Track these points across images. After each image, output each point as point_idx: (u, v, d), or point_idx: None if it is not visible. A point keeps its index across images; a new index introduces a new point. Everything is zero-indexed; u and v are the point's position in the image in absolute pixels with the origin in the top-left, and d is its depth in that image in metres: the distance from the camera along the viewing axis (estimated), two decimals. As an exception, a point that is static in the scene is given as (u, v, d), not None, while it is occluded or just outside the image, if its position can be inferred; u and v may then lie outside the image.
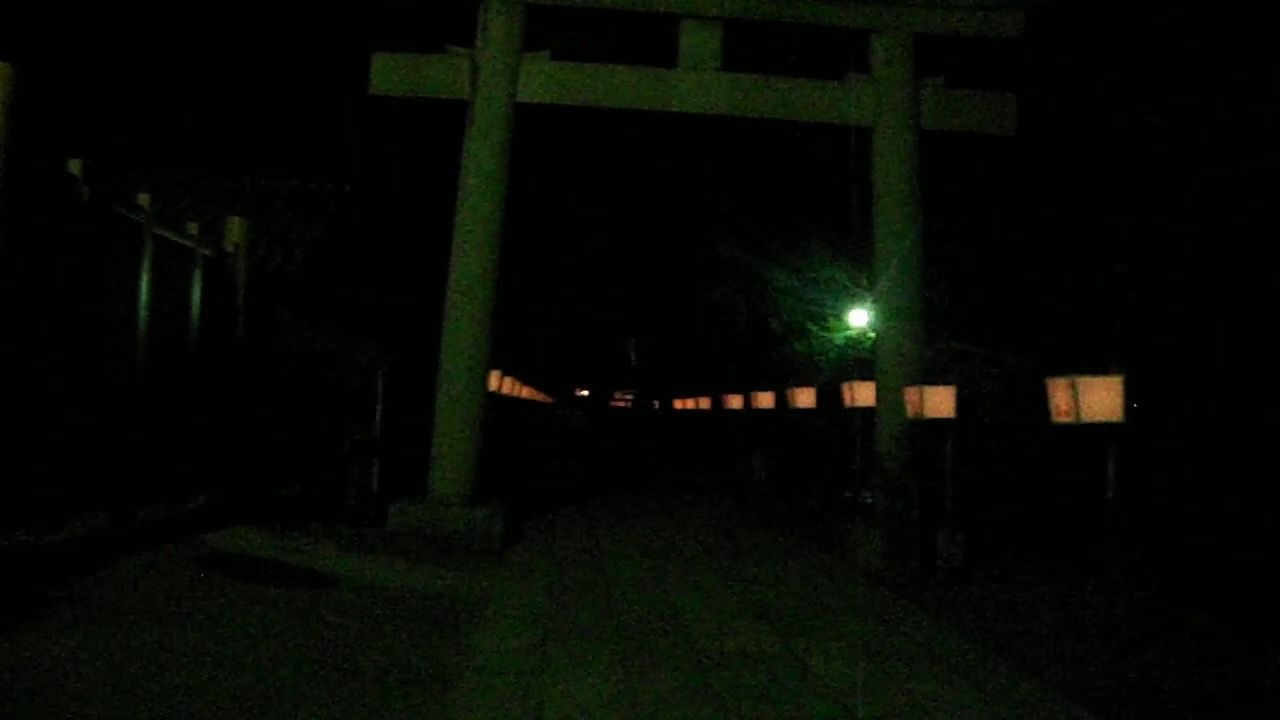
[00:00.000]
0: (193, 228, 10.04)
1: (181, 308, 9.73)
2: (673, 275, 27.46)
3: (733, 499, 18.74)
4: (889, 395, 12.37)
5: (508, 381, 21.49)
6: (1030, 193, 13.73)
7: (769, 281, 19.67)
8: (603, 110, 13.02)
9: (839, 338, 17.76)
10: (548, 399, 43.84)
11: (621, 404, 60.59)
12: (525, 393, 29.36)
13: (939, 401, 11.08)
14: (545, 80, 12.64)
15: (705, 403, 30.57)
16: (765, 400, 20.18)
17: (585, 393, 62.68)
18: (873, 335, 14.27)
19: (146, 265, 8.70)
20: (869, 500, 13.09)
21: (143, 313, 8.70)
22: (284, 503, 12.20)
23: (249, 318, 11.33)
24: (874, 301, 13.51)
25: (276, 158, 16.72)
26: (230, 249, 10.92)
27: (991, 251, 14.13)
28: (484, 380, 12.56)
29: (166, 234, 9.17)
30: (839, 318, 17.77)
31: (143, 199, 8.78)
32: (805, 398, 16.97)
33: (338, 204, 17.26)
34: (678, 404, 37.52)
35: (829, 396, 16.54)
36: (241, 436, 10.95)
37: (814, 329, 18.35)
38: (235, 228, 11.06)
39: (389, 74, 12.51)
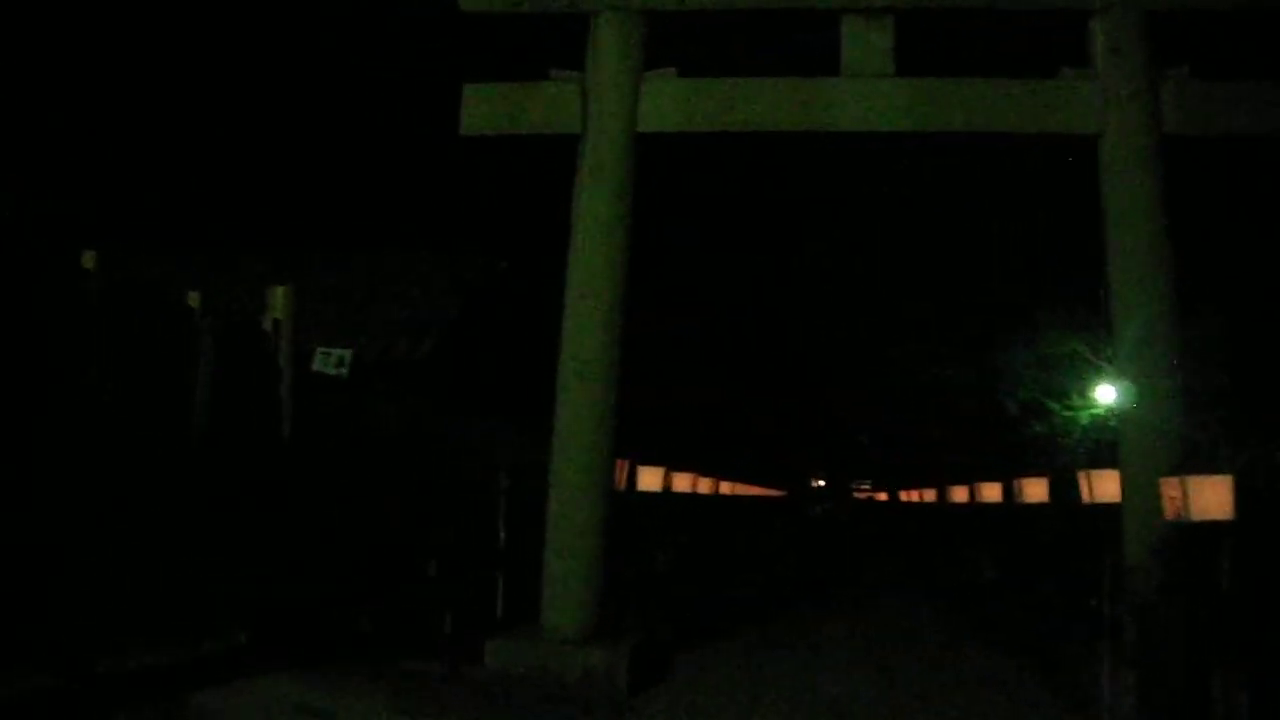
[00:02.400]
0: (193, 299, 7.89)
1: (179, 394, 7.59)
2: (889, 352, 24.60)
3: (954, 610, 15.49)
4: (1138, 490, 9.17)
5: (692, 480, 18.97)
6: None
7: (1001, 356, 17.51)
8: (744, 142, 10.43)
9: (1084, 416, 15.47)
10: (774, 492, 41.21)
11: (862, 495, 56.98)
12: (728, 488, 26.79)
13: (1211, 498, 7.87)
14: (673, 103, 10.17)
15: (930, 494, 27.24)
16: (992, 492, 17.07)
17: (822, 483, 59.58)
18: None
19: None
20: (1118, 616, 9.77)
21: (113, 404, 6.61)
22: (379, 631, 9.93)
23: (330, 406, 9.24)
24: (1116, 368, 10.33)
25: (389, 227, 14.49)
26: (270, 324, 8.78)
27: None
28: (607, 480, 10.02)
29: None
30: (1083, 394, 15.21)
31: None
32: (1036, 489, 13.83)
33: (476, 276, 15.16)
34: (904, 495, 34.11)
35: (1068, 486, 13.33)
36: (303, 551, 8.73)
37: (1055, 407, 15.98)
38: (279, 298, 8.94)
39: (483, 109, 10.31)
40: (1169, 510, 8.28)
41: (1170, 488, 8.22)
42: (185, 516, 7.56)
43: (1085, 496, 10.68)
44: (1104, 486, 10.21)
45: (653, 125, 10.15)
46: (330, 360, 11.37)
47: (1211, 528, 7.93)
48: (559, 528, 9.76)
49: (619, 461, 10.89)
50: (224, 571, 7.96)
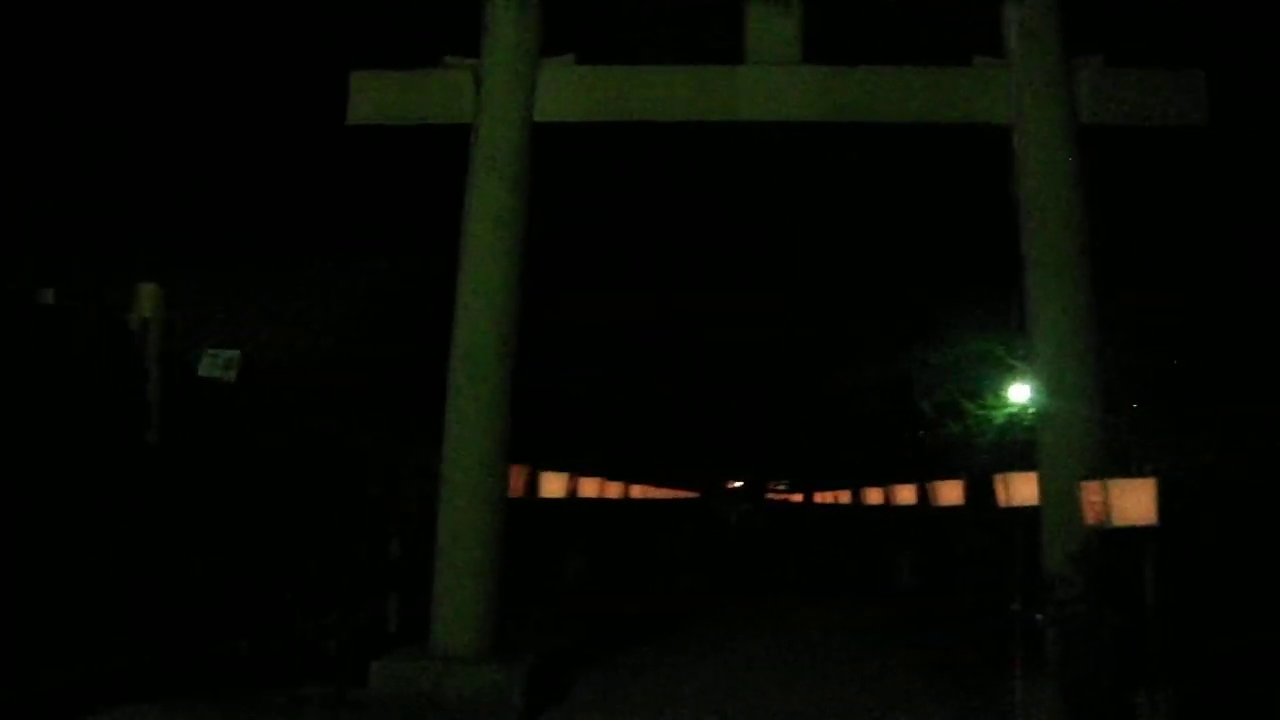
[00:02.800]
0: (48, 296, 7.18)
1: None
2: (803, 352, 24.02)
3: (870, 619, 15.10)
4: (1057, 494, 8.81)
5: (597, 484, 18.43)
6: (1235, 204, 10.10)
7: (915, 356, 17.39)
8: (647, 133, 9.91)
9: (999, 416, 15.07)
10: (689, 494, 40.72)
11: (777, 497, 56.61)
12: (640, 492, 26.26)
13: (1133, 502, 7.51)
14: (571, 91, 9.62)
15: (845, 496, 26.96)
16: (907, 495, 16.70)
17: (739, 484, 59.12)
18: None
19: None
20: (1038, 626, 9.37)
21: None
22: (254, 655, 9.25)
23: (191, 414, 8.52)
24: (1032, 366, 9.97)
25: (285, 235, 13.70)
26: (136, 325, 8.07)
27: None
28: (501, 487, 9.42)
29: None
30: (996, 394, 14.90)
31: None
32: (951, 492, 13.45)
33: (376, 275, 14.46)
34: (818, 497, 33.82)
35: (984, 489, 13.01)
36: (171, 568, 8.04)
37: (970, 406, 15.62)
38: (146, 296, 8.24)
39: (371, 97, 9.70)
40: (1090, 515, 7.91)
41: (1091, 492, 7.85)
42: (30, 529, 6.85)
43: (1002, 500, 10.27)
44: (1022, 490, 9.81)
45: (550, 115, 9.60)
46: (217, 363, 10.80)
47: (1134, 533, 7.57)
48: (449, 538, 9.16)
49: (516, 467, 10.34)
50: (76, 593, 7.26)
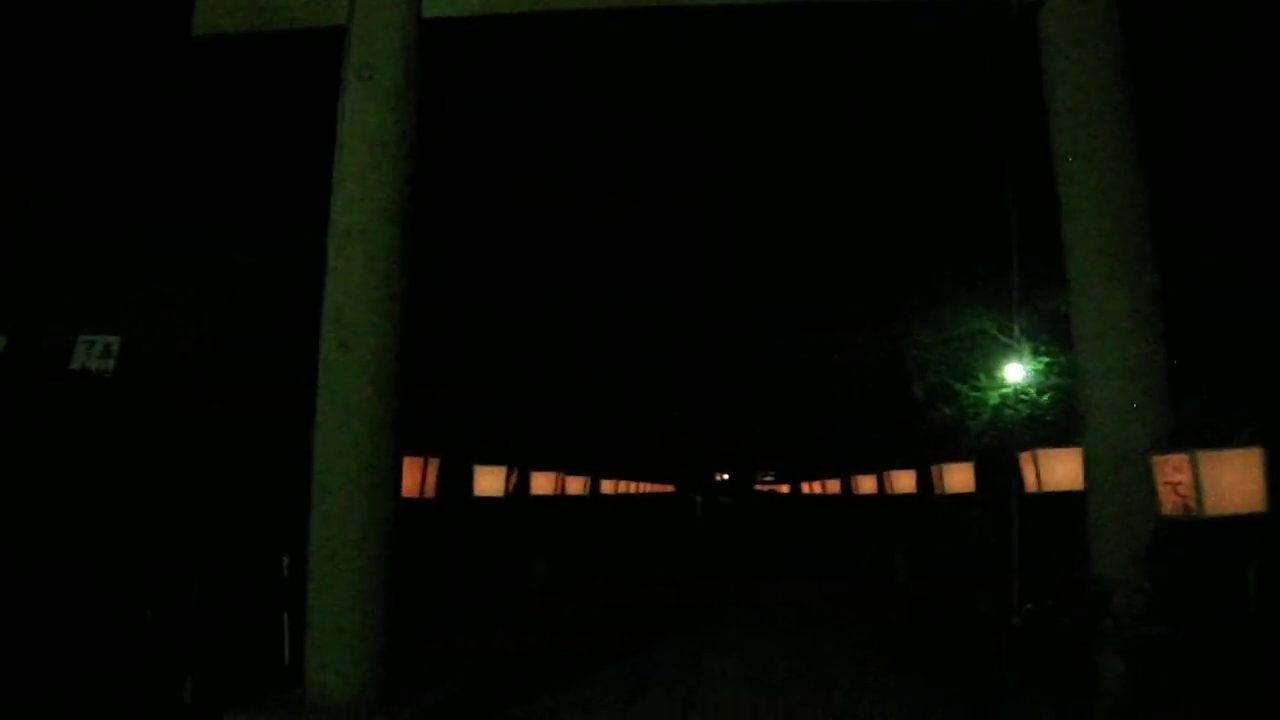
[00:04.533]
0: None
1: None
2: (782, 333, 22.25)
3: (863, 619, 13.01)
4: (1112, 476, 6.69)
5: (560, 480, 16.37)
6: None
7: (904, 336, 15.61)
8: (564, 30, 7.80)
9: (993, 397, 13.37)
10: (667, 488, 38.81)
11: (763, 488, 54.59)
12: (611, 488, 24.20)
13: (1233, 481, 5.43)
14: (468, -24, 7.50)
15: (834, 486, 24.91)
16: (905, 481, 14.70)
17: (725, 477, 57.26)
18: (1032, 393, 10.22)
19: None
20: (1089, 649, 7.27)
21: None
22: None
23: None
24: (1074, 313, 7.80)
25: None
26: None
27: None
28: (391, 488, 7.29)
29: None
30: (990, 374, 13.17)
31: None
32: (959, 477, 11.38)
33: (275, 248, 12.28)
34: (805, 487, 31.75)
35: (992, 472, 11.13)
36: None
37: (962, 389, 14.07)
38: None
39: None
40: (1168, 502, 5.83)
41: (1171, 469, 5.75)
42: None
43: (1031, 484, 8.22)
44: (1057, 470, 7.75)
45: (442, 8, 7.47)
46: (94, 351, 9.40)
47: (1234, 524, 5.51)
48: (323, 555, 7.04)
49: (416, 461, 8.26)
50: None
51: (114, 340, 9.76)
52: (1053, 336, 10.59)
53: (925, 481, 13.70)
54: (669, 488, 38.25)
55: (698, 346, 24.36)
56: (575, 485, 18.03)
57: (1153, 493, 5.94)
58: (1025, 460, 8.37)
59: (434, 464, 8.70)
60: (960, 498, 11.74)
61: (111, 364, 9.62)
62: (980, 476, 11.44)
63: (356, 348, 7.07)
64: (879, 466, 17.96)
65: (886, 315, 15.88)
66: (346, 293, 7.10)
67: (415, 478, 8.40)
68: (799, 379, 24.43)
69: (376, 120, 7.27)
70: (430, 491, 8.61)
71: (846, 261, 16.61)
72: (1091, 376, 6.98)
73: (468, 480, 11.75)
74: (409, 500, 8.20)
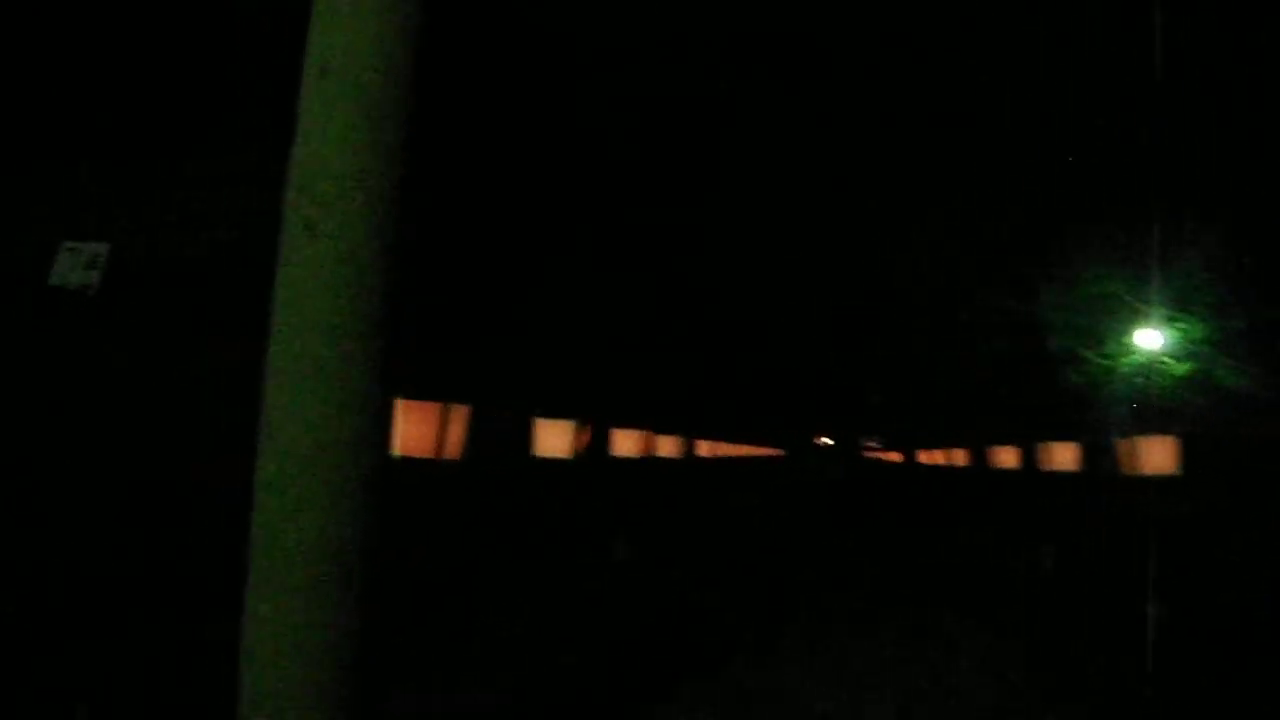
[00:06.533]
0: None
1: None
2: (896, 293, 21.72)
3: (997, 626, 10.36)
4: None
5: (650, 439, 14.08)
6: None
7: (1030, 296, 15.51)
8: None
9: (1125, 364, 13.75)
10: (769, 452, 36.49)
11: (870, 455, 51.63)
12: (715, 449, 21.87)
13: None
14: None
15: (960, 456, 22.29)
16: (1062, 456, 12.13)
17: (828, 441, 54.46)
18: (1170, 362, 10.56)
19: None
20: None
21: None
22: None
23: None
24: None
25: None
26: None
27: None
28: (368, 430, 4.81)
29: None
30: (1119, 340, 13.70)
31: None
32: (1158, 452, 8.81)
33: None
34: (923, 457, 29.00)
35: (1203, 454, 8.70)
36: None
37: (1090, 355, 14.27)
38: None
39: None
40: None
41: None
42: None
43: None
44: None
45: None
46: (78, 262, 7.83)
47: None
48: (264, 538, 4.56)
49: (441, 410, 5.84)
50: None
51: (101, 248, 7.85)
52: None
53: (1096, 455, 11.23)
54: (768, 451, 35.94)
55: (807, 301, 22.31)
56: (667, 446, 15.76)
57: None
58: None
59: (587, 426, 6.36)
60: (1144, 479, 9.19)
61: (96, 277, 7.72)
62: (1190, 453, 8.90)
63: (327, 230, 4.55)
64: (1011, 438, 15.93)
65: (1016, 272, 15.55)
66: (317, 152, 4.61)
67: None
68: (920, 339, 22.84)
69: None
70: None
71: (973, 213, 15.95)
72: None
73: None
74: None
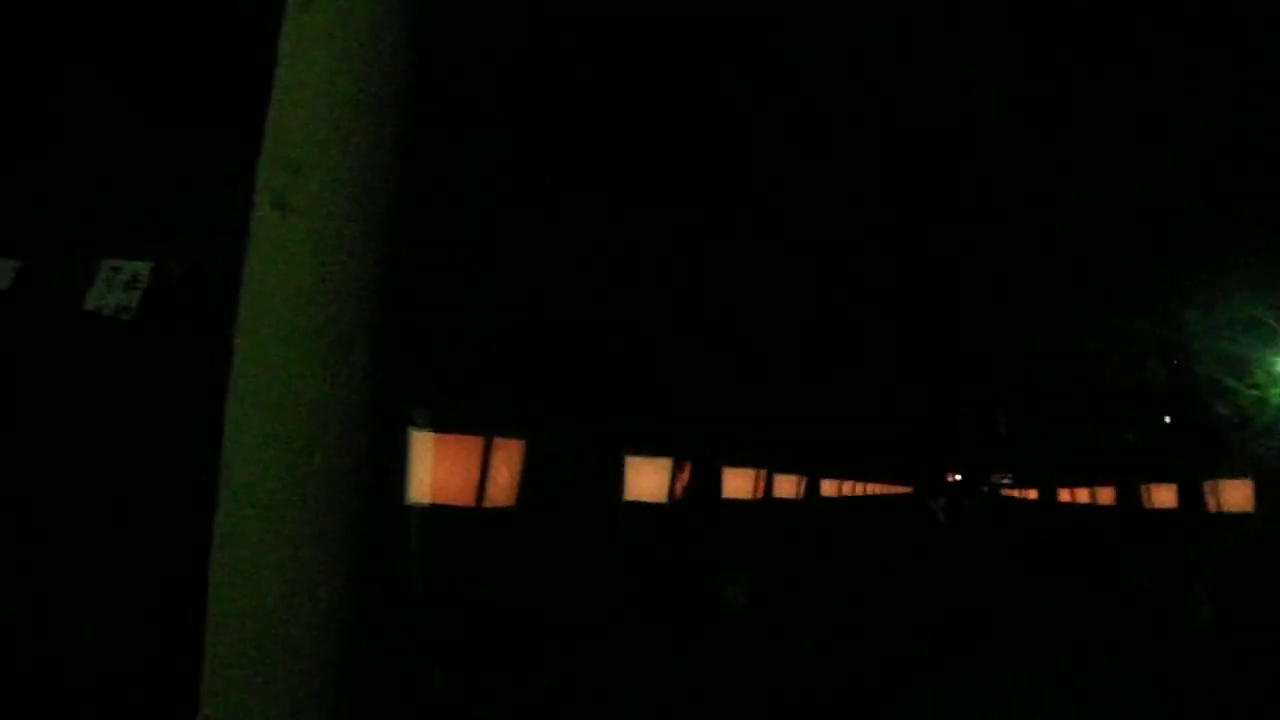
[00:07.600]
0: None
1: None
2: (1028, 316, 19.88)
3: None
4: None
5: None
6: None
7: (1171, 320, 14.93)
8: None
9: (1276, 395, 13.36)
10: (896, 489, 35.21)
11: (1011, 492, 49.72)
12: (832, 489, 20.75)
13: None
14: None
15: (1106, 495, 20.83)
16: (1235, 496, 10.75)
17: (958, 477, 52.80)
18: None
19: None
20: None
21: None
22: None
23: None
24: None
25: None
26: None
27: None
28: (369, 459, 3.99)
29: None
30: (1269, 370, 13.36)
31: None
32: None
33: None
34: (1064, 495, 27.26)
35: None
36: None
37: (1240, 385, 13.74)
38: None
39: None
40: None
41: None
42: None
43: None
44: None
45: None
46: (117, 283, 7.45)
47: None
48: (223, 579, 3.54)
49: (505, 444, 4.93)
50: None
51: (143, 267, 7.32)
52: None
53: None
54: (899, 488, 34.64)
55: (931, 325, 21.13)
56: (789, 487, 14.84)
57: None
58: None
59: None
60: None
61: (136, 299, 7.28)
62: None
63: (302, 208, 3.60)
64: (1158, 475, 15.21)
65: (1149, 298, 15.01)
66: (292, 108, 3.68)
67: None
68: (1050, 368, 21.55)
69: None
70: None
71: (1101, 232, 15.12)
72: None
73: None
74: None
